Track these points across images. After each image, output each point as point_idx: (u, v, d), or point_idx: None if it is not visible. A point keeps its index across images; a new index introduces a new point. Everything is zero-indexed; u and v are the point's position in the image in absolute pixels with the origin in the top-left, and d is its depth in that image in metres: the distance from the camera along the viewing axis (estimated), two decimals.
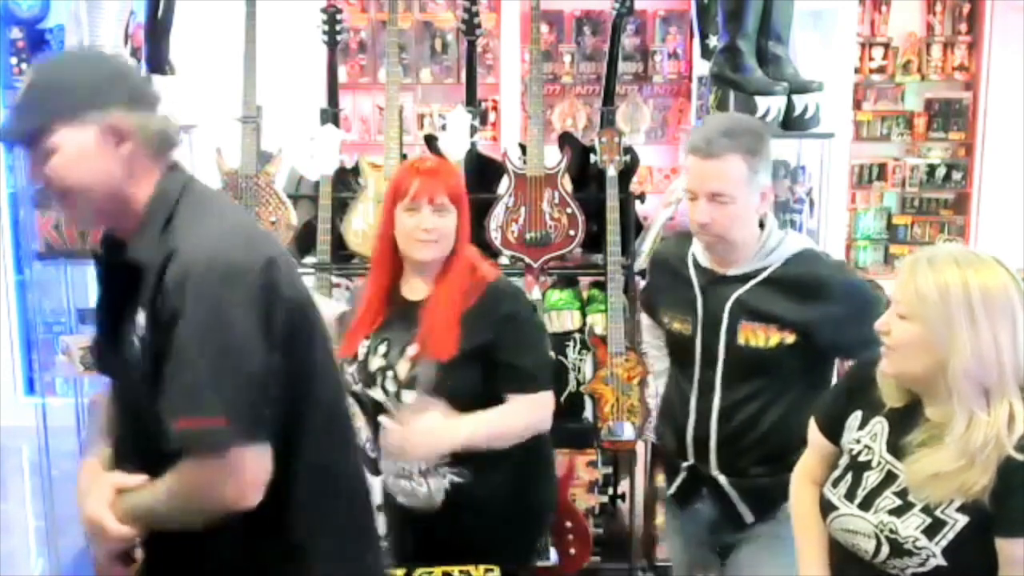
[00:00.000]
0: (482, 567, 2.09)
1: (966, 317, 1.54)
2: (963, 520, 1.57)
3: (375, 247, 2.19)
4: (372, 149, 4.21)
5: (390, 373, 2.09)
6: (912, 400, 1.68)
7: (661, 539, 3.52)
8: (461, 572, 2.11)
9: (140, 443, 1.46)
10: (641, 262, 3.39)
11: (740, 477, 2.12)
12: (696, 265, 2.18)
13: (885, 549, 1.64)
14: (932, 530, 1.59)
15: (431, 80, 5.08)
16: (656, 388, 2.52)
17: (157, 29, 3.30)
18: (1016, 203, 4.92)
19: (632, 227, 3.32)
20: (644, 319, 2.50)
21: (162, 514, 1.41)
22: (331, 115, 3.31)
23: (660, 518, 3.52)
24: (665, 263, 2.30)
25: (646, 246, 3.41)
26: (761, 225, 2.11)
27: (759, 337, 2.06)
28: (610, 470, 3.45)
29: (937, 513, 1.60)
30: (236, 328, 1.34)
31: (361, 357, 2.13)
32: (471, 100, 3.36)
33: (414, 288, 2.13)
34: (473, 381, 2.06)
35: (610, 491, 3.55)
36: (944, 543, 1.58)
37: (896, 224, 5.43)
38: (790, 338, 2.05)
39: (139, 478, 1.45)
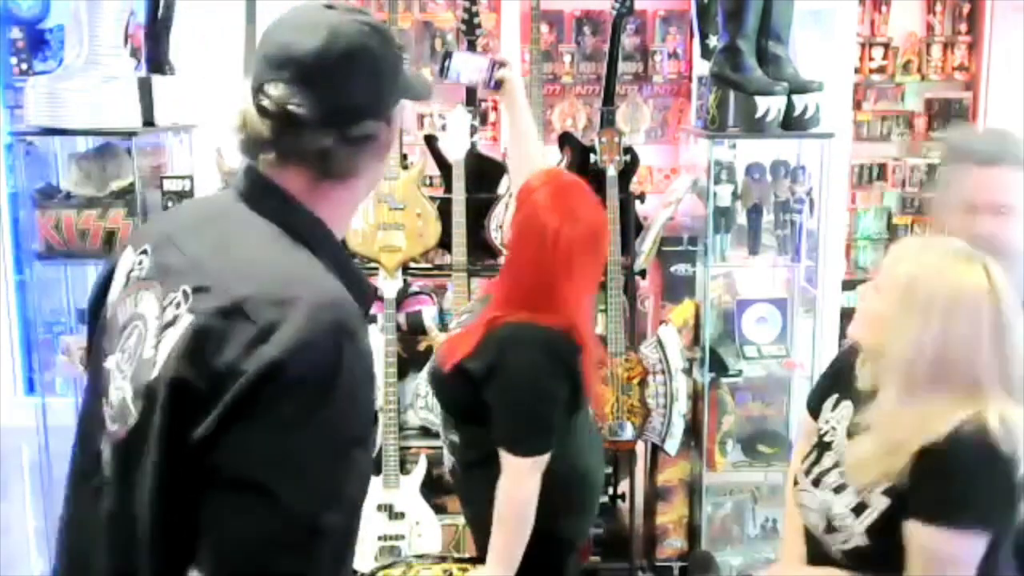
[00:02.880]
0: (481, 567, 2.09)
1: (921, 310, 1.56)
2: (885, 503, 1.62)
3: None
4: None
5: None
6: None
7: (661, 538, 3.53)
8: (461, 571, 2.12)
9: None
10: (641, 262, 3.40)
11: None
12: None
13: (823, 524, 1.71)
14: (858, 510, 1.65)
15: (431, 80, 5.06)
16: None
17: (157, 29, 3.29)
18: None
19: (632, 227, 3.33)
20: None
21: None
22: None
23: (660, 518, 3.53)
24: None
25: (646, 246, 3.41)
26: None
27: None
28: (610, 470, 3.45)
29: (864, 494, 1.65)
30: None
31: None
32: (471, 100, 3.36)
33: None
34: (462, 400, 2.10)
35: (610, 491, 3.55)
36: (867, 523, 1.64)
37: (896, 224, 5.42)
38: None
39: None
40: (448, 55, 2.44)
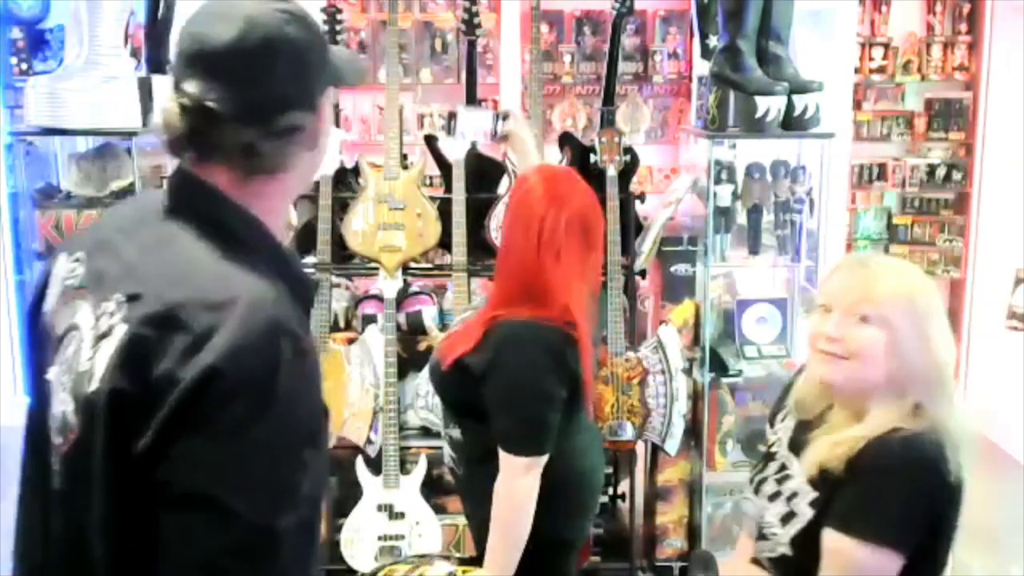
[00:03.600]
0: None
1: (936, 321, 1.60)
2: (810, 514, 1.63)
3: None
4: (372, 149, 4.21)
5: None
6: (822, 411, 1.72)
7: (661, 538, 3.53)
8: (465, 572, 2.12)
9: None
10: (641, 262, 3.39)
11: None
12: None
13: (756, 532, 1.74)
14: (785, 520, 1.67)
15: (431, 80, 5.08)
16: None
17: (157, 29, 3.30)
18: (1016, 203, 4.92)
19: (632, 227, 3.33)
20: None
21: None
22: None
23: (660, 518, 3.53)
24: None
25: (646, 246, 3.41)
26: None
27: None
28: (610, 470, 3.45)
29: (792, 504, 1.66)
30: None
31: None
32: (471, 100, 3.36)
33: None
34: (462, 396, 2.11)
35: (610, 491, 3.55)
36: (792, 532, 1.65)
37: (896, 224, 5.42)
38: None
39: None
40: (453, 116, 2.58)
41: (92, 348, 1.09)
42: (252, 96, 1.13)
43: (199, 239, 1.13)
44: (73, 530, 1.10)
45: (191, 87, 1.12)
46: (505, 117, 2.49)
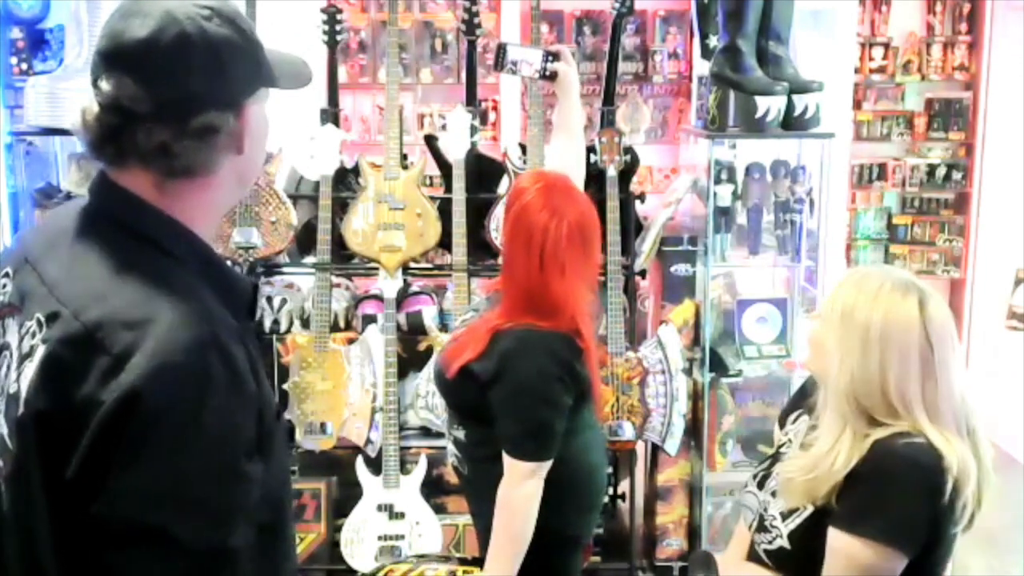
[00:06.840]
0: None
1: (858, 338, 1.60)
2: (809, 510, 1.67)
3: None
4: (372, 149, 4.21)
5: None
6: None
7: (661, 538, 3.53)
8: (465, 572, 2.12)
9: None
10: (641, 262, 3.39)
11: None
12: None
13: (755, 523, 1.77)
14: (786, 515, 1.71)
15: (431, 80, 5.07)
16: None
17: None
18: (1016, 203, 4.92)
19: (632, 227, 3.33)
20: None
21: None
22: (331, 115, 3.32)
23: (660, 518, 3.53)
24: None
25: (646, 246, 3.41)
26: None
27: None
28: (610, 470, 3.45)
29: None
30: None
31: None
32: (471, 100, 3.36)
33: None
34: (468, 400, 2.11)
35: (610, 491, 3.55)
36: (792, 526, 1.69)
37: (896, 224, 5.43)
38: None
39: None
40: (502, 48, 2.41)
41: (17, 370, 1.07)
42: (165, 93, 1.08)
43: (120, 251, 1.09)
44: (26, 554, 1.06)
45: (107, 85, 1.08)
46: (556, 56, 2.39)
